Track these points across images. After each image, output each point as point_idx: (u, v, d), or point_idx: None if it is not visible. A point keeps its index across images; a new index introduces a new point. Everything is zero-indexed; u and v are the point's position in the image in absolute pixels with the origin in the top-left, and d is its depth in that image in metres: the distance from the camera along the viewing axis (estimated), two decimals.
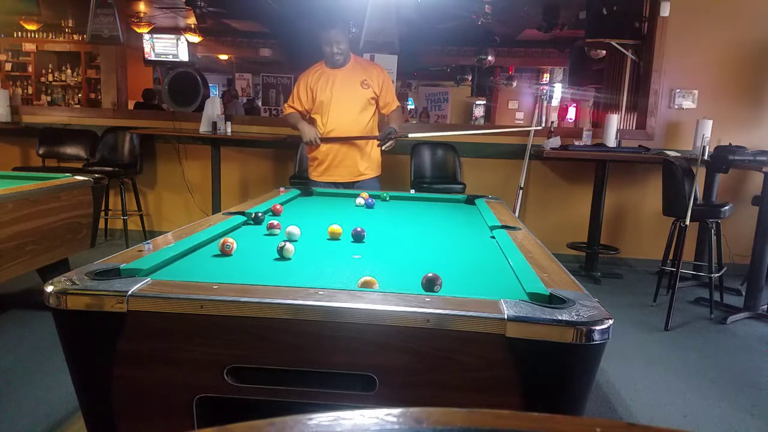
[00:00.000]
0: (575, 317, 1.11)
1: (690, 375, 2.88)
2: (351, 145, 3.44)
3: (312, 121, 3.50)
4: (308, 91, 3.42)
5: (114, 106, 6.60)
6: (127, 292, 1.16)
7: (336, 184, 3.44)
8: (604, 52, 6.25)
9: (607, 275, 4.63)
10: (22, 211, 2.73)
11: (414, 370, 1.14)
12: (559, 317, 1.10)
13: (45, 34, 9.74)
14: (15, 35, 9.70)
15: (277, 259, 1.60)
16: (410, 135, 3.47)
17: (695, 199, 3.64)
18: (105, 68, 7.70)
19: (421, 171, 4.79)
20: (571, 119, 11.21)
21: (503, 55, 11.42)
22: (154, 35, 9.38)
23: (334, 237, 1.91)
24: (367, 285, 1.29)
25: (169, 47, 9.55)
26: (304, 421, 0.48)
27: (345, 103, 3.39)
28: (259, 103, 11.62)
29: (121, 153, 5.06)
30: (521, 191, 4.62)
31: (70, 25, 9.54)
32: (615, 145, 4.53)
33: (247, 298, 1.15)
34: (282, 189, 2.93)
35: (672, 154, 4.25)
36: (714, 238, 3.81)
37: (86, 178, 3.25)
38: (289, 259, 1.60)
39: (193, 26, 9.73)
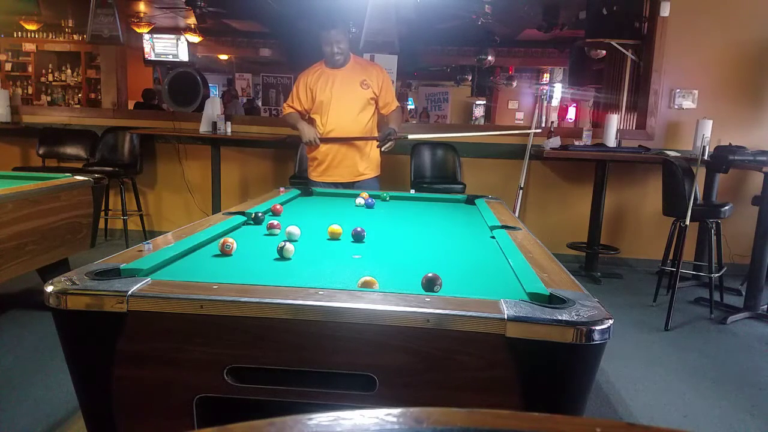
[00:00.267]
0: (575, 317, 1.11)
1: (690, 375, 2.88)
2: (350, 146, 3.44)
3: (311, 121, 3.50)
4: (308, 91, 3.42)
5: (114, 106, 6.60)
6: (127, 292, 1.16)
7: (336, 184, 3.44)
8: (604, 52, 6.26)
9: (607, 275, 4.62)
10: (22, 211, 2.73)
11: (414, 370, 1.14)
12: (559, 317, 1.10)
13: (45, 34, 9.74)
14: (15, 35, 9.70)
15: (277, 259, 1.60)
16: (410, 136, 3.47)
17: (695, 199, 3.64)
18: (105, 68, 7.71)
19: (421, 171, 4.79)
20: (571, 119, 11.21)
21: (503, 55, 11.43)
22: (154, 35, 9.39)
23: (334, 237, 1.91)
24: (367, 285, 1.29)
25: (169, 47, 9.55)
26: (304, 421, 0.48)
27: (344, 103, 3.39)
28: (259, 103, 11.62)
29: (121, 153, 5.06)
30: (521, 191, 4.62)
31: (70, 25, 9.54)
32: (615, 145, 4.53)
33: (247, 298, 1.15)
34: (282, 189, 2.93)
35: (672, 154, 4.25)
36: (714, 238, 3.81)
37: (86, 178, 3.25)
38: (289, 259, 1.60)
39: (193, 26, 9.73)
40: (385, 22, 5.20)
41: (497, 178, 4.92)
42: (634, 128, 5.03)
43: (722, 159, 4.03)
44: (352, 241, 1.88)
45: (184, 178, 5.21)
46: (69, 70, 9.84)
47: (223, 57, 13.06)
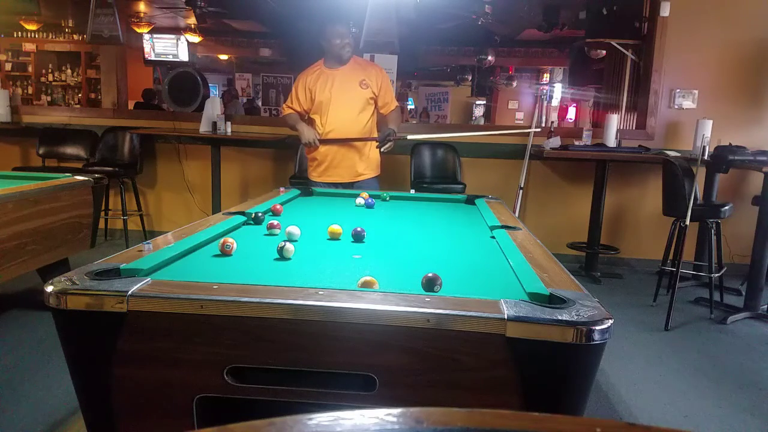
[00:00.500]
0: (575, 317, 1.11)
1: (690, 375, 2.88)
2: (350, 146, 3.44)
3: (311, 121, 3.50)
4: (307, 92, 3.42)
5: (114, 106, 6.61)
6: (127, 292, 1.16)
7: (336, 185, 3.44)
8: (604, 52, 6.26)
9: (607, 275, 4.63)
10: (22, 211, 2.73)
11: (414, 370, 1.14)
12: (559, 317, 1.10)
13: (45, 34, 9.74)
14: (15, 35, 9.70)
15: (277, 259, 1.60)
16: (409, 136, 3.48)
17: (695, 199, 3.64)
18: (105, 68, 7.71)
19: (421, 171, 4.79)
20: (571, 119, 11.21)
21: (503, 55, 11.42)
22: (154, 35, 9.38)
23: (334, 237, 1.91)
24: (367, 285, 1.29)
25: (169, 47, 9.55)
26: (304, 421, 0.48)
27: (344, 103, 3.39)
28: (259, 103, 11.62)
29: (121, 153, 5.06)
30: (521, 191, 4.62)
31: (70, 25, 9.54)
32: (615, 145, 4.53)
33: (247, 298, 1.15)
34: (282, 189, 2.93)
35: (672, 154, 4.25)
36: (714, 238, 3.81)
37: (86, 178, 3.25)
38: (289, 259, 1.60)
39: (193, 26, 9.73)
40: (385, 22, 5.20)
41: (497, 178, 4.92)
42: (634, 128, 5.03)
43: (722, 159, 4.03)
44: (352, 241, 1.88)
45: (184, 178, 5.21)
46: (69, 70, 9.85)
47: (223, 57, 13.06)
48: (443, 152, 4.86)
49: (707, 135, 4.08)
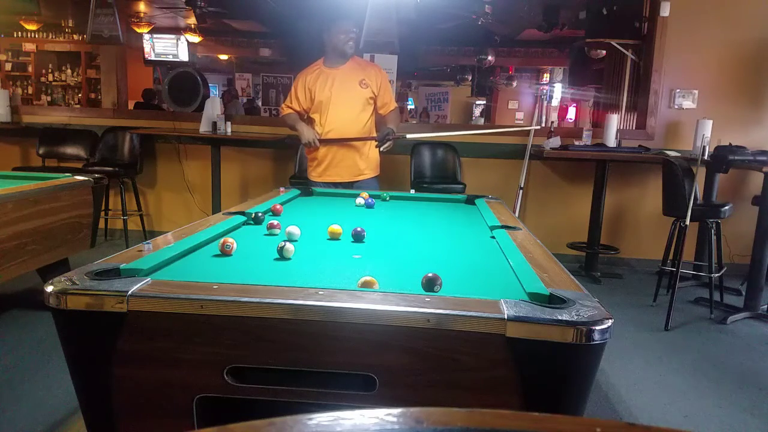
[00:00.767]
0: (575, 317, 1.11)
1: (690, 375, 2.88)
2: (350, 146, 3.44)
3: (310, 121, 3.50)
4: (306, 91, 3.42)
5: (114, 106, 6.61)
6: (127, 292, 1.16)
7: (335, 184, 3.44)
8: (604, 52, 6.26)
9: (607, 275, 4.63)
10: (22, 211, 2.73)
11: (414, 370, 1.14)
12: (559, 317, 1.10)
13: (45, 34, 9.75)
14: (15, 35, 9.70)
15: (277, 259, 1.60)
16: (408, 135, 3.48)
17: (695, 199, 3.64)
18: (105, 68, 7.72)
19: (421, 171, 4.79)
20: (571, 119, 11.21)
21: (503, 55, 11.42)
22: (154, 35, 9.38)
23: (334, 237, 1.91)
24: (367, 285, 1.29)
25: (169, 47, 9.55)
26: (304, 421, 0.48)
27: (344, 102, 3.39)
28: (259, 103, 11.63)
29: (121, 153, 5.06)
30: (521, 191, 4.62)
31: (70, 25, 9.55)
32: (615, 145, 4.53)
33: (247, 298, 1.15)
34: (282, 189, 2.93)
35: (672, 154, 4.25)
36: (714, 238, 3.81)
37: (86, 178, 3.25)
38: (289, 259, 1.60)
39: (193, 26, 9.73)
40: (385, 22, 5.20)
41: (497, 178, 4.92)
42: (634, 128, 5.03)
43: (722, 159, 4.03)
44: (352, 241, 1.88)
45: (184, 178, 5.21)
46: (69, 70, 9.85)
47: (223, 57, 13.06)
48: (443, 152, 4.86)
49: (707, 135, 4.08)
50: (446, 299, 1.19)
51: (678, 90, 4.72)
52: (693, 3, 4.62)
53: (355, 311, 1.13)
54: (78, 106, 9.32)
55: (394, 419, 0.48)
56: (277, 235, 1.92)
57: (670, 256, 4.00)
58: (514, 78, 13.54)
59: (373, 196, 2.77)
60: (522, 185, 4.59)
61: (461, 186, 4.53)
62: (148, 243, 1.57)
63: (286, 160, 5.09)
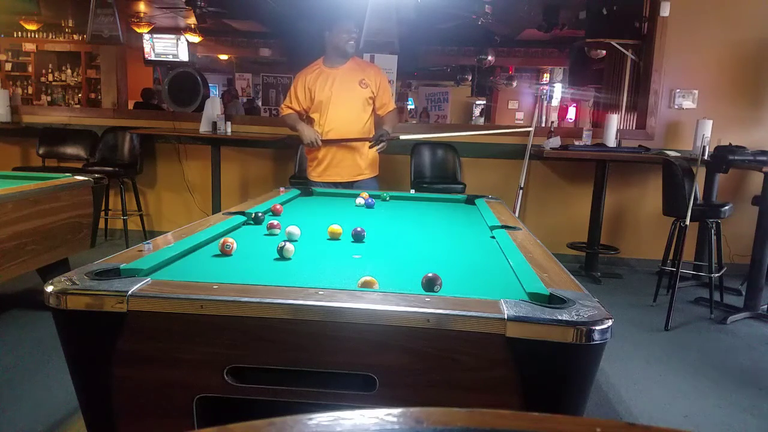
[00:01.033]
0: (575, 317, 1.11)
1: (690, 375, 2.88)
2: (350, 145, 3.44)
3: (310, 120, 3.50)
4: (306, 91, 3.42)
5: (114, 106, 6.61)
6: (127, 292, 1.16)
7: (335, 184, 3.44)
8: (604, 52, 6.25)
9: (607, 275, 4.63)
10: (22, 211, 2.73)
11: (414, 370, 1.14)
12: (559, 317, 1.10)
13: (45, 34, 9.75)
14: (15, 35, 9.70)
15: (277, 259, 1.60)
16: (402, 137, 3.48)
17: (695, 199, 3.64)
18: (105, 68, 7.72)
19: (421, 171, 4.79)
20: (571, 119, 11.21)
21: (503, 55, 11.42)
22: (154, 35, 9.39)
23: (334, 237, 1.91)
24: (367, 285, 1.29)
25: (169, 47, 9.56)
26: (304, 421, 0.48)
27: (344, 102, 3.39)
28: (259, 103, 11.62)
29: (121, 153, 5.06)
30: (521, 191, 4.62)
31: (70, 25, 9.55)
32: (615, 145, 4.53)
33: (247, 298, 1.15)
34: (282, 189, 2.93)
35: (672, 154, 4.25)
36: (714, 238, 3.81)
37: (86, 178, 3.25)
38: (289, 259, 1.60)
39: (193, 26, 9.73)
40: (385, 22, 5.20)
41: (497, 178, 4.92)
42: (634, 128, 5.03)
43: (722, 159, 4.03)
44: (352, 241, 1.88)
45: (184, 178, 5.21)
46: (69, 70, 9.85)
47: (223, 57, 13.06)
48: (443, 152, 4.86)
49: (707, 135, 4.08)
50: (446, 299, 1.19)
51: (678, 90, 4.72)
52: (693, 3, 4.62)
53: (355, 311, 1.13)
54: (78, 106, 9.32)
55: (394, 419, 0.48)
56: (277, 235, 1.92)
57: (670, 256, 4.00)
58: (514, 78, 13.54)
59: (373, 196, 2.77)
60: (522, 185, 4.59)
61: (461, 186, 4.53)
62: (148, 243, 1.57)
63: (286, 160, 5.09)
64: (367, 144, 3.47)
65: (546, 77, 13.56)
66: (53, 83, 9.88)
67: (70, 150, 5.10)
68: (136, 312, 1.16)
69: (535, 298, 1.25)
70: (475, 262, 1.72)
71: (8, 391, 2.40)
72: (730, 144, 4.20)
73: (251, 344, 1.17)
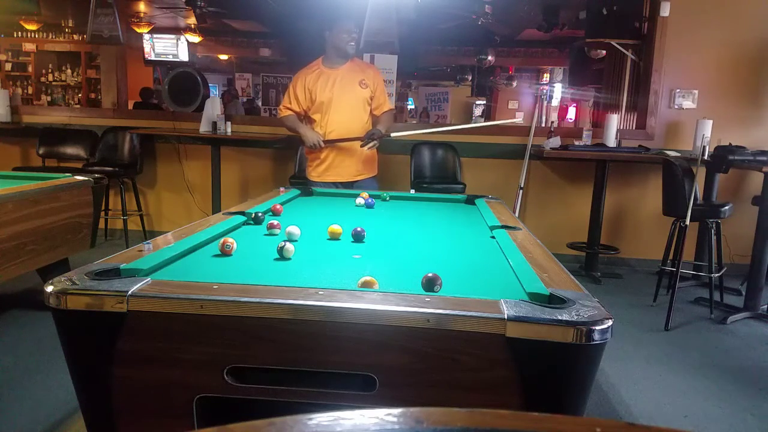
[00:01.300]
0: (575, 317, 1.11)
1: (690, 375, 2.88)
2: (350, 145, 3.44)
3: (310, 121, 3.50)
4: (306, 92, 3.42)
5: (114, 106, 6.61)
6: (127, 292, 1.16)
7: (335, 184, 3.44)
8: (604, 52, 6.25)
9: (607, 275, 4.63)
10: (22, 211, 2.73)
11: (414, 370, 1.14)
12: (559, 317, 1.10)
13: (45, 34, 9.75)
14: (15, 35, 9.70)
15: (277, 259, 1.60)
16: (393, 134, 3.47)
17: (695, 199, 3.64)
18: (105, 68, 7.71)
19: (421, 171, 4.79)
20: (571, 119, 11.20)
21: (503, 55, 11.42)
22: (154, 35, 9.39)
23: (334, 237, 1.91)
24: (367, 285, 1.29)
25: (169, 47, 9.56)
26: (304, 421, 0.48)
27: (346, 102, 3.40)
28: (259, 103, 11.63)
29: (121, 153, 5.06)
30: (521, 191, 4.62)
31: (70, 25, 9.55)
32: (615, 145, 4.53)
33: (247, 298, 1.15)
34: (282, 189, 2.93)
35: (672, 154, 4.25)
36: (714, 238, 3.81)
37: (86, 178, 3.25)
38: (289, 259, 1.60)
39: (193, 26, 9.73)
40: (385, 22, 5.20)
41: (497, 178, 4.92)
42: (634, 128, 5.03)
43: (722, 159, 4.03)
44: (352, 241, 1.88)
45: (184, 178, 5.21)
46: (69, 70, 9.85)
47: (223, 57, 13.06)
48: (443, 152, 4.86)
49: (707, 135, 4.08)
50: (446, 299, 1.19)
51: (678, 90, 4.72)
52: (693, 3, 4.62)
53: (355, 311, 1.13)
54: (78, 106, 9.32)
55: (394, 419, 0.48)
56: (277, 235, 1.92)
57: (670, 256, 4.00)
58: (514, 78, 13.54)
59: (373, 196, 2.77)
60: (522, 185, 4.59)
61: (461, 186, 4.53)
62: (148, 243, 1.57)
63: (286, 160, 5.09)
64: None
65: (546, 77, 13.56)
66: (53, 83, 9.88)
67: (70, 150, 5.10)
68: (136, 312, 1.16)
69: (535, 298, 1.25)
70: (475, 262, 1.72)
71: (8, 391, 2.40)
72: (730, 144, 4.20)
73: (251, 344, 1.17)
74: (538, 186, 4.94)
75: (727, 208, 3.75)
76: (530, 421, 0.50)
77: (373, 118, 3.53)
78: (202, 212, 5.00)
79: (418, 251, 1.84)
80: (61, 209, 3.03)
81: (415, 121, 10.57)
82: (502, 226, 2.12)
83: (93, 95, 9.64)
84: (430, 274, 1.31)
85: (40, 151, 5.09)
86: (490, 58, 10.27)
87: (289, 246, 1.61)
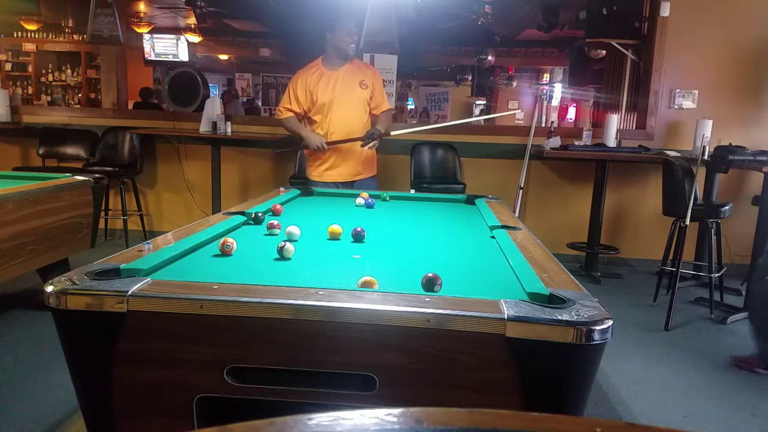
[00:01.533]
0: (575, 317, 1.11)
1: (690, 375, 2.88)
2: (350, 146, 3.44)
3: (310, 122, 3.50)
4: (307, 93, 3.41)
5: (114, 106, 6.61)
6: (127, 292, 1.16)
7: (336, 184, 3.44)
8: (604, 52, 6.25)
9: (607, 275, 4.63)
10: (22, 211, 2.73)
11: (414, 370, 1.14)
12: (559, 317, 1.10)
13: (45, 34, 9.75)
14: (15, 35, 9.70)
15: (277, 259, 1.60)
16: (392, 133, 3.48)
17: (695, 199, 3.64)
18: (105, 68, 7.72)
19: (421, 171, 4.79)
20: (571, 119, 11.20)
21: (503, 55, 11.42)
22: (154, 35, 9.39)
23: (334, 237, 1.91)
24: (367, 285, 1.29)
25: (169, 47, 9.56)
26: (304, 421, 0.48)
27: (347, 103, 3.40)
28: (259, 103, 11.62)
29: (121, 153, 5.06)
30: (521, 191, 4.62)
31: (70, 25, 9.55)
32: (615, 145, 4.53)
33: (247, 298, 1.15)
34: (282, 189, 2.93)
35: (672, 154, 4.25)
36: (714, 238, 3.81)
37: (86, 178, 3.25)
38: (289, 259, 1.60)
39: (193, 26, 9.73)
40: (385, 22, 5.20)
41: (497, 178, 4.92)
42: (634, 128, 5.03)
43: (722, 159, 4.03)
44: (352, 241, 1.88)
45: (184, 178, 5.21)
46: (69, 70, 9.85)
47: (223, 57, 13.05)
48: (443, 152, 4.86)
49: (707, 135, 4.08)
50: (446, 299, 1.19)
51: (678, 90, 4.72)
52: (693, 3, 4.62)
53: (355, 311, 1.13)
54: (78, 106, 9.32)
55: (394, 419, 0.48)
56: (277, 235, 1.92)
57: (670, 256, 4.00)
58: (514, 78, 13.54)
59: (373, 196, 2.77)
60: (522, 185, 4.59)
61: (461, 186, 4.53)
62: (148, 243, 1.57)
63: (286, 160, 5.09)
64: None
65: (546, 77, 13.56)
66: (53, 83, 9.88)
67: (70, 150, 5.10)
68: (136, 312, 1.16)
69: (535, 298, 1.25)
70: (475, 262, 1.72)
71: (8, 391, 2.40)
72: (730, 144, 4.20)
73: (251, 344, 1.17)
74: (538, 186, 4.94)
75: (727, 208, 3.75)
76: (530, 421, 0.50)
77: (372, 118, 3.53)
78: (202, 212, 5.00)
79: (418, 251, 1.84)
80: (61, 209, 3.03)
81: (415, 121, 10.57)
82: (502, 226, 2.12)
83: (93, 95, 9.64)
84: (430, 274, 1.31)
85: (40, 151, 5.09)
86: (490, 58, 10.27)
87: (289, 246, 1.61)
